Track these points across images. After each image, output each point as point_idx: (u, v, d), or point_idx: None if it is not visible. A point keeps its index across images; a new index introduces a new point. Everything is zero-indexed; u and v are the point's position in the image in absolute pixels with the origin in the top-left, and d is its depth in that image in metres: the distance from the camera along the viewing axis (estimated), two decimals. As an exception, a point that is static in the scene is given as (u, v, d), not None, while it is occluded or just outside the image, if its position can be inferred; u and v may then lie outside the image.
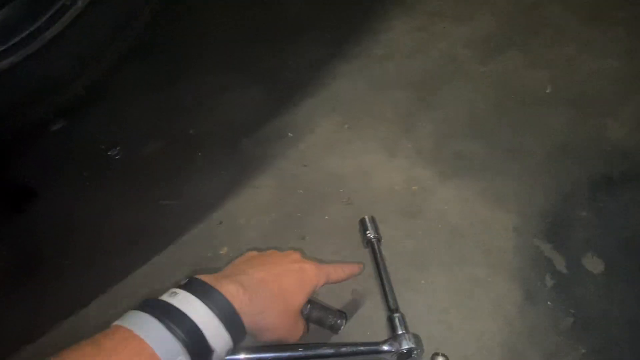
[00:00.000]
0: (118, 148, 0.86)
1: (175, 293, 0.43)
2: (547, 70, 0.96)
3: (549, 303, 0.63)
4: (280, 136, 0.88)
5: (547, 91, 0.91)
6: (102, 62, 0.72)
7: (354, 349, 0.55)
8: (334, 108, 0.93)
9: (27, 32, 0.48)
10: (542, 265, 0.66)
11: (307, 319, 0.58)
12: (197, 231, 0.75)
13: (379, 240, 0.70)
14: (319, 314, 0.58)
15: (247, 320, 0.46)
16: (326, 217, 0.75)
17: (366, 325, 0.63)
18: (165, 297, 0.42)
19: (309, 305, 0.58)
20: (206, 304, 0.42)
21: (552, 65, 0.97)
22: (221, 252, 0.72)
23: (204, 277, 0.46)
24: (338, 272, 0.58)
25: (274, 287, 0.50)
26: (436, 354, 0.57)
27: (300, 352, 0.53)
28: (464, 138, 0.85)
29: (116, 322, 0.40)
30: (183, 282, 0.46)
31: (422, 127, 0.87)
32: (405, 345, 0.55)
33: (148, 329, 0.38)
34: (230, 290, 0.45)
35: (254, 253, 0.55)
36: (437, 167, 0.80)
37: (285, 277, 0.51)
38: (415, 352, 0.55)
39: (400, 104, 0.92)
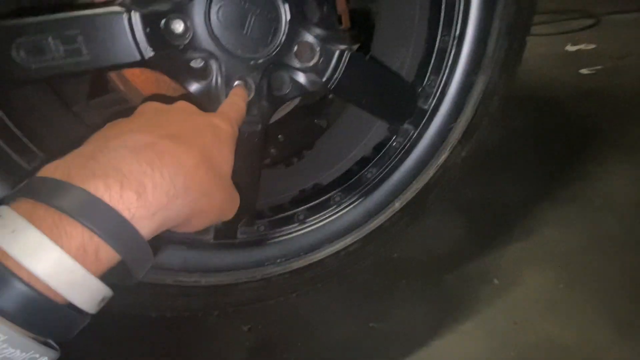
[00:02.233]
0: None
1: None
2: None
3: None
4: (484, 280, 0.88)
5: None
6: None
7: None
8: (545, 259, 0.89)
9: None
10: None
11: None
12: (405, 366, 0.77)
13: None
14: None
15: (154, 225, 0.28)
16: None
17: None
18: None
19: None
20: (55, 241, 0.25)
21: None
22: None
23: (54, 171, 0.27)
24: (235, 107, 0.42)
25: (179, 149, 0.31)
26: None
27: None
28: None
29: None
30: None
31: (666, 308, 0.76)
32: None
33: None
34: (100, 188, 0.26)
35: (120, 121, 0.34)
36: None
37: (198, 135, 0.33)
38: None
39: (634, 270, 0.83)
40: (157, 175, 0.28)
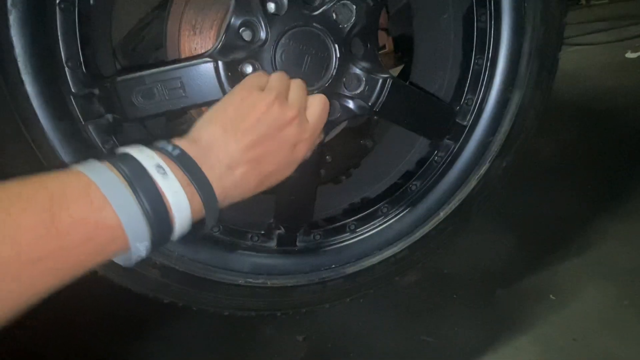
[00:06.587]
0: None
1: (164, 172, 0.39)
2: None
3: None
4: (540, 296, 0.87)
5: None
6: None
7: None
8: (606, 275, 0.86)
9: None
10: None
11: None
12: (458, 382, 0.77)
13: None
14: None
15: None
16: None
17: None
18: (153, 173, 0.38)
19: None
20: (191, 203, 0.39)
21: None
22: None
23: (193, 155, 0.42)
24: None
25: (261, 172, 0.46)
26: None
27: None
28: None
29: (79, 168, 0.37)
30: (171, 149, 0.41)
31: None
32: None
33: (124, 207, 0.35)
34: (218, 184, 0.42)
35: (234, 101, 0.46)
36: None
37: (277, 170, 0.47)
38: None
39: None
40: (239, 192, 0.45)
